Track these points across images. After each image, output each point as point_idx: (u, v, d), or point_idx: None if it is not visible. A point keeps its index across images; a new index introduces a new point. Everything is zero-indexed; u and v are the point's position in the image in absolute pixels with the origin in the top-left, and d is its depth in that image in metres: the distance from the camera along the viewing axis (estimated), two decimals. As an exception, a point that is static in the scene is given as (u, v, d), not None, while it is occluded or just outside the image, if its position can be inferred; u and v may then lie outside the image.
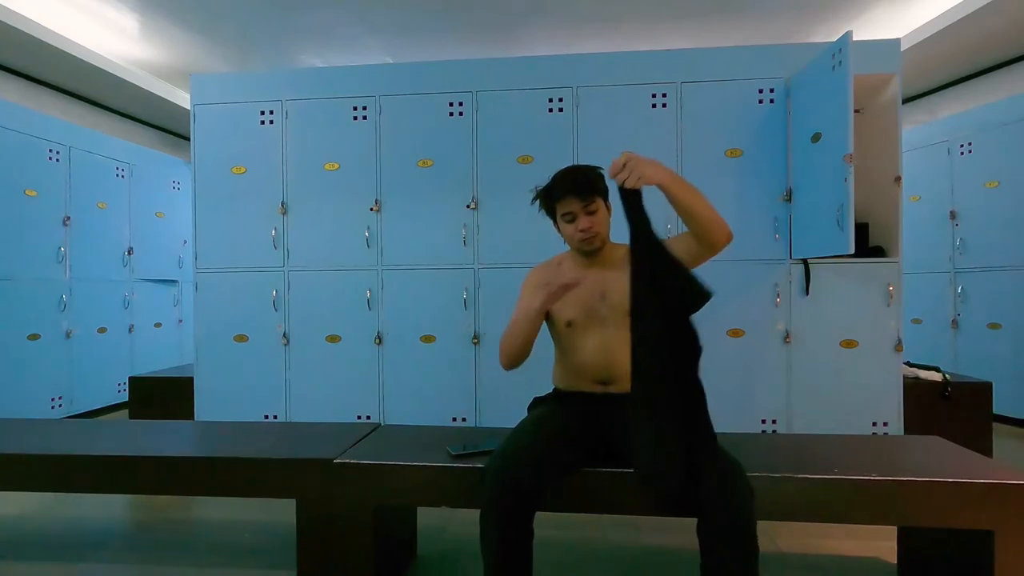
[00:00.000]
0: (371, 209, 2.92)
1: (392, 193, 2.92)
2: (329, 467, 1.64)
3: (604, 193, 1.61)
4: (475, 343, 2.87)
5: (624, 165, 1.38)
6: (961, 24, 3.76)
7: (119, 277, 4.27)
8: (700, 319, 1.33)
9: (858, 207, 2.67)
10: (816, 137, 2.49)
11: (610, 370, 1.57)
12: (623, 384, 1.56)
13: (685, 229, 1.54)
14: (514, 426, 1.59)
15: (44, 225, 3.71)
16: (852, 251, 2.25)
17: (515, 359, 1.59)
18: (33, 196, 3.63)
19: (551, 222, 1.70)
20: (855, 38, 2.29)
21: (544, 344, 1.65)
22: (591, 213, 1.58)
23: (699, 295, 1.33)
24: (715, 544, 1.26)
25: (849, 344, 2.72)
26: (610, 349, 1.56)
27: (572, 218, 1.59)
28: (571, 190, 1.58)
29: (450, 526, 2.19)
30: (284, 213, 2.97)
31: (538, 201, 1.68)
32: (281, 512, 2.12)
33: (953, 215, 3.90)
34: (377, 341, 2.92)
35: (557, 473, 1.44)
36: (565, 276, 1.54)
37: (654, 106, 2.82)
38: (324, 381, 2.95)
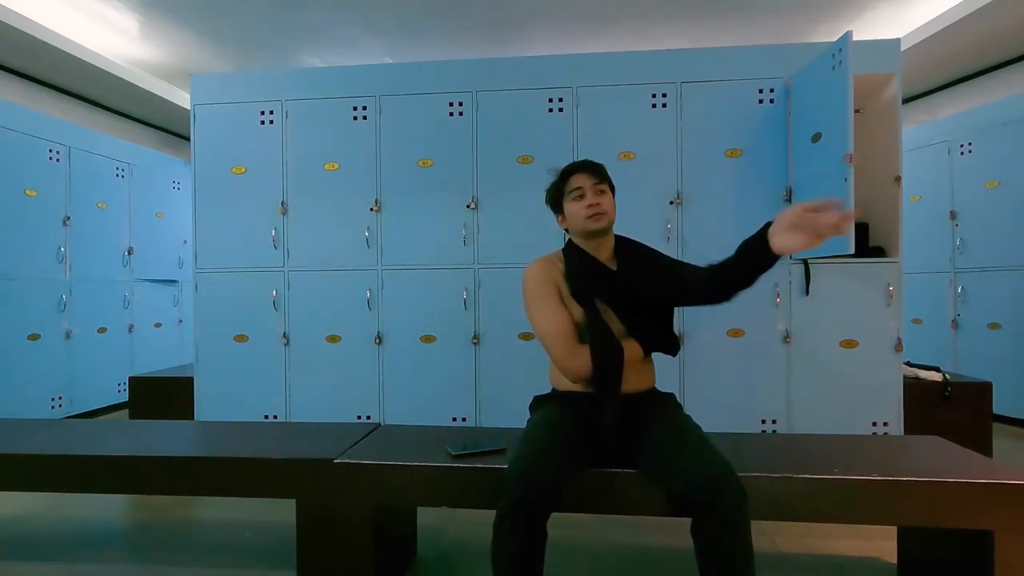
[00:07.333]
0: (371, 209, 2.92)
1: (392, 193, 2.92)
2: (329, 467, 1.64)
3: (612, 186, 1.67)
4: (475, 343, 2.87)
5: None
6: (961, 24, 3.76)
7: (119, 277, 4.27)
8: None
9: (858, 207, 2.67)
10: (816, 137, 2.49)
11: None
12: (624, 388, 1.57)
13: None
14: (521, 426, 1.60)
15: (44, 225, 3.71)
16: (852, 251, 2.25)
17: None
18: (33, 196, 3.63)
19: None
20: (855, 38, 2.30)
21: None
22: (600, 192, 1.62)
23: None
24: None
25: (849, 344, 2.72)
26: None
27: (581, 194, 1.61)
28: (584, 167, 1.64)
29: (450, 526, 2.19)
30: (284, 213, 2.97)
31: (545, 195, 1.72)
32: (281, 512, 2.12)
33: (953, 215, 3.90)
34: (377, 341, 2.92)
35: (574, 473, 1.45)
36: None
37: (654, 106, 2.82)
38: (324, 381, 2.95)
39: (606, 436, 1.53)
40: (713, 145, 2.79)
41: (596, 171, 1.63)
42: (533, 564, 1.31)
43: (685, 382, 2.77)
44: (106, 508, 2.43)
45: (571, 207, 1.63)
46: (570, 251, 1.68)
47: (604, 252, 1.65)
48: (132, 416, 3.33)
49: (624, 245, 1.69)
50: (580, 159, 1.71)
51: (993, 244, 3.68)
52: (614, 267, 1.65)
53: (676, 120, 2.81)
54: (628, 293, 1.59)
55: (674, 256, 2.66)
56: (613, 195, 1.66)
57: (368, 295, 2.92)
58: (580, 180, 1.62)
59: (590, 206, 1.58)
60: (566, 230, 1.73)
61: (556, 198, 1.68)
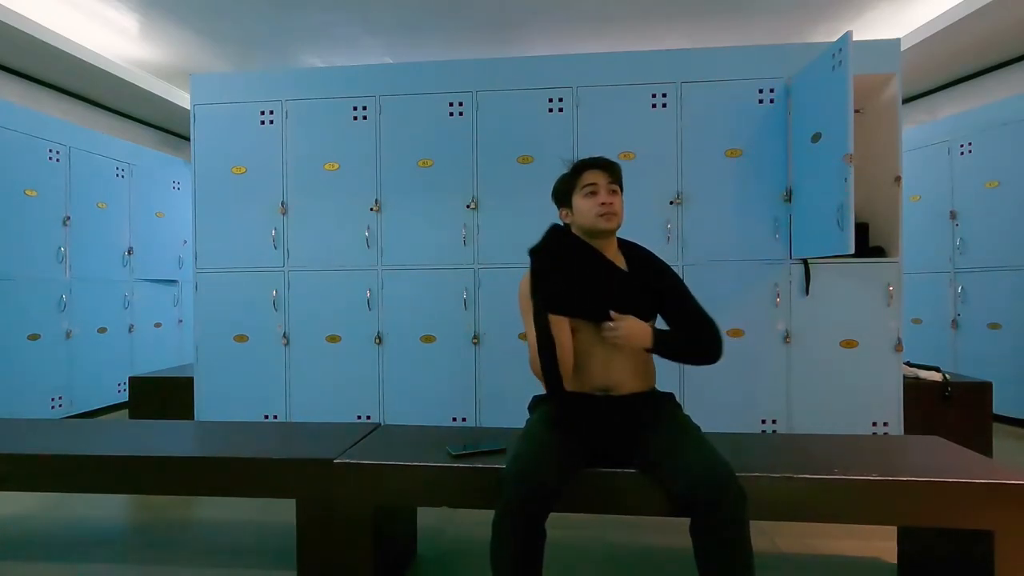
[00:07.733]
0: (371, 209, 2.92)
1: (392, 193, 2.92)
2: (329, 467, 1.64)
3: (622, 189, 1.64)
4: (475, 343, 2.87)
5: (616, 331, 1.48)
6: (961, 24, 3.76)
7: (119, 277, 4.27)
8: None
9: (858, 207, 2.67)
10: (816, 137, 2.49)
11: (611, 377, 1.57)
12: (622, 388, 1.57)
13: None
14: (521, 426, 1.60)
15: (44, 225, 3.71)
16: (852, 251, 2.25)
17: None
18: (33, 196, 3.63)
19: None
20: (855, 38, 2.29)
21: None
22: (613, 192, 1.59)
23: None
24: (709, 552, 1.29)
25: (849, 344, 2.72)
26: (613, 357, 1.56)
27: (594, 191, 1.58)
28: (600, 164, 1.61)
29: (450, 526, 2.19)
30: (284, 213, 2.97)
31: (553, 186, 1.69)
32: (281, 512, 2.12)
33: (953, 215, 3.90)
34: (377, 341, 2.92)
35: (573, 473, 1.45)
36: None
37: (654, 106, 2.82)
38: (324, 381, 2.95)
39: (592, 432, 1.54)
40: (713, 145, 2.79)
41: (612, 169, 1.61)
42: (532, 564, 1.31)
43: (685, 382, 2.77)
44: (106, 508, 2.43)
45: (581, 203, 1.59)
46: (566, 245, 1.64)
47: (607, 253, 1.63)
48: (132, 416, 3.32)
49: (629, 248, 1.67)
50: (595, 155, 1.67)
51: (993, 244, 3.68)
52: (622, 267, 1.62)
53: (676, 120, 2.81)
54: (634, 289, 1.57)
55: (674, 256, 2.68)
56: (622, 192, 1.64)
57: (368, 295, 2.92)
58: (595, 176, 1.59)
59: (603, 204, 1.56)
60: (567, 225, 1.71)
61: (565, 192, 1.64)
